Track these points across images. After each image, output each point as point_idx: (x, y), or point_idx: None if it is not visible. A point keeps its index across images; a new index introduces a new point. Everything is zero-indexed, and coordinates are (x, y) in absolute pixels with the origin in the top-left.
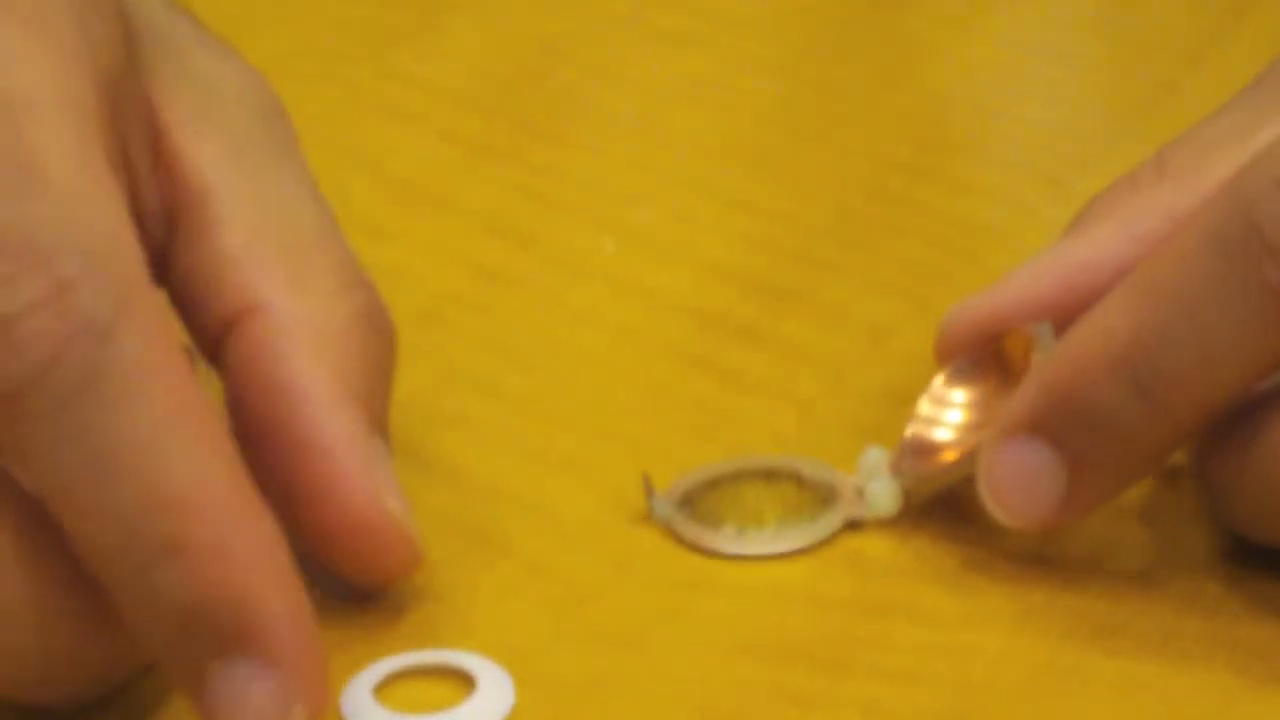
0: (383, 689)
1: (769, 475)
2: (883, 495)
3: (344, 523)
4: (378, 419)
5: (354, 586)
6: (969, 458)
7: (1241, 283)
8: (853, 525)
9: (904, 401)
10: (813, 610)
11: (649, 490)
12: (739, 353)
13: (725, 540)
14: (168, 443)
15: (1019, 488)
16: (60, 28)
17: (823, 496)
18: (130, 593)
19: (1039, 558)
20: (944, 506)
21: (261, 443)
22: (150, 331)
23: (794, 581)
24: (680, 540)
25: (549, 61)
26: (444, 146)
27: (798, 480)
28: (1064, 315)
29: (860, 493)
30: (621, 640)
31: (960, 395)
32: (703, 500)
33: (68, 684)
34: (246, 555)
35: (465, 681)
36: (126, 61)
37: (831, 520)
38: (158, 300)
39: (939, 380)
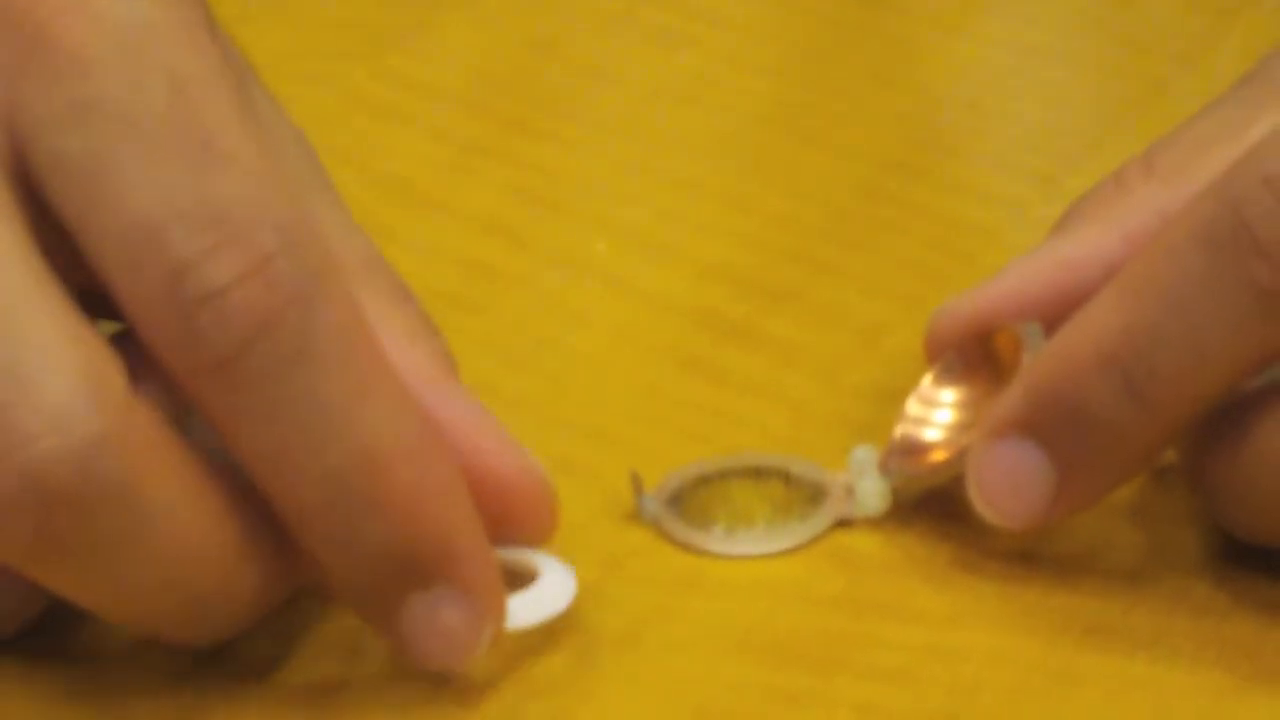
0: None
1: (758, 474)
2: (872, 494)
3: (497, 488)
4: None
5: None
6: (958, 458)
7: (1230, 281)
8: (842, 524)
9: (897, 401)
10: (803, 609)
11: (638, 489)
12: (732, 352)
13: (715, 539)
14: (368, 403)
15: (1008, 488)
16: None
17: (811, 495)
18: (338, 545)
19: (1029, 556)
20: (934, 505)
21: None
22: (343, 300)
23: (784, 580)
24: (670, 539)
25: (542, 61)
26: (437, 146)
27: (786, 479)
28: (1053, 314)
29: (850, 491)
30: (613, 640)
31: (949, 395)
32: (692, 499)
33: (218, 620)
34: (442, 498)
35: (528, 576)
36: None
37: (821, 519)
38: (341, 271)
39: (927, 380)
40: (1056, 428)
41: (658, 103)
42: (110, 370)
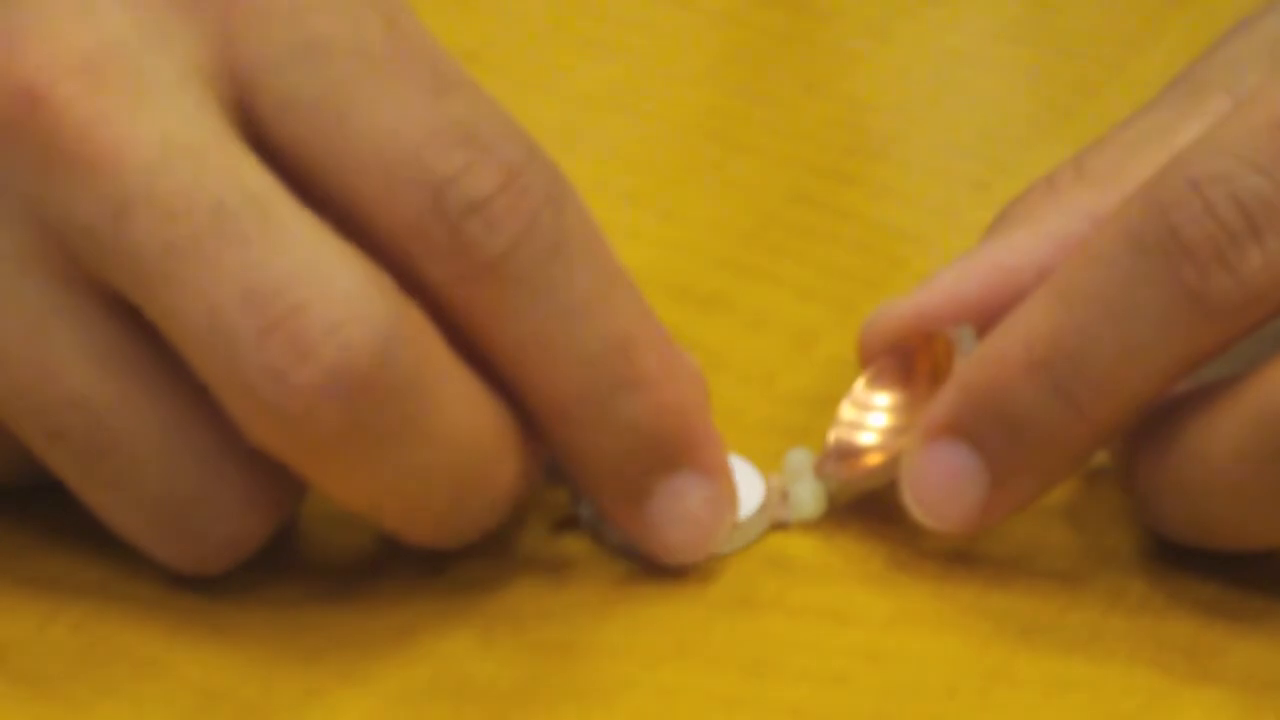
0: None
1: None
2: (807, 498)
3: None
4: None
5: None
6: (893, 461)
7: (1158, 284)
8: (778, 527)
9: (830, 405)
10: (739, 614)
11: (575, 497)
12: None
13: None
14: (616, 292)
15: (941, 490)
16: None
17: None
18: (594, 426)
19: (965, 557)
20: (869, 507)
21: None
22: (580, 202)
23: (719, 584)
24: (605, 545)
25: (472, 70)
26: None
27: None
28: (985, 317)
29: (785, 495)
30: (550, 648)
31: (883, 399)
32: None
33: (476, 514)
34: (684, 382)
35: None
36: None
37: (757, 523)
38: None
39: (860, 384)
40: (988, 430)
41: (587, 112)
42: (380, 270)
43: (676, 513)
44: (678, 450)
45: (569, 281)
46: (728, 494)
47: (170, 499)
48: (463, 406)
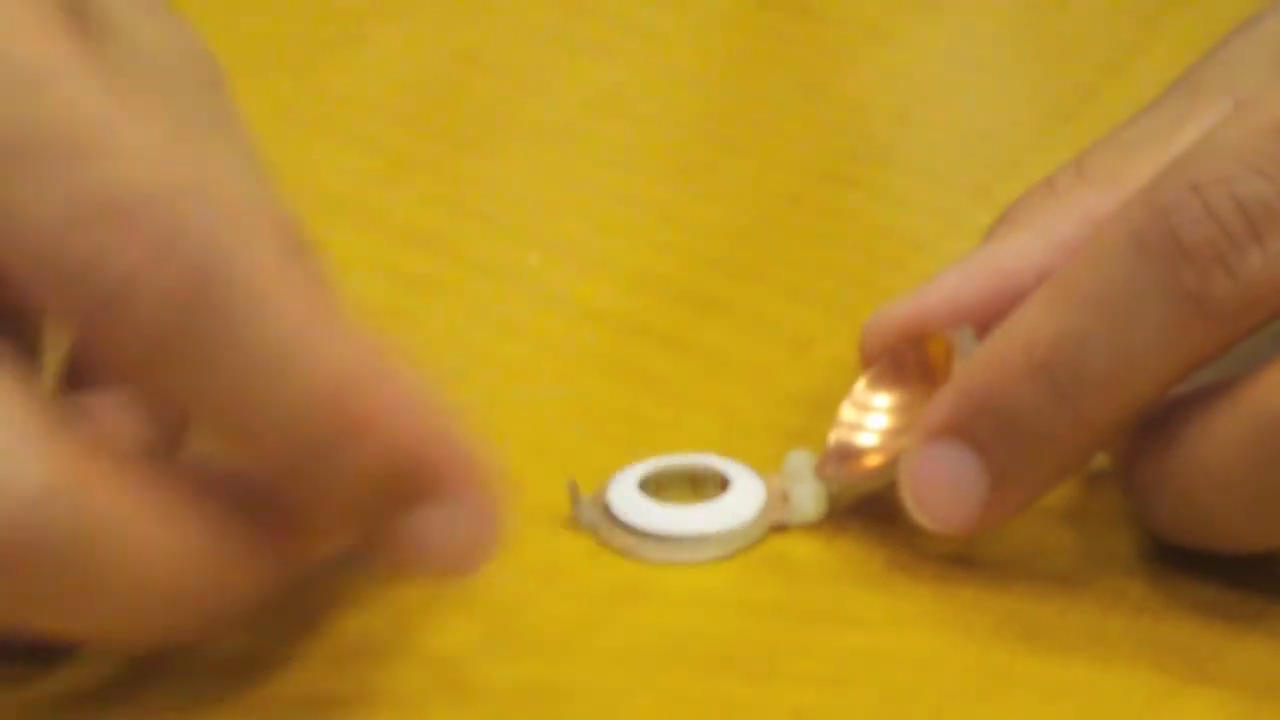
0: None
1: (694, 478)
2: (808, 499)
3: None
4: None
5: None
6: (893, 463)
7: (1158, 286)
8: (778, 529)
9: (828, 407)
10: (739, 616)
11: (575, 496)
12: (664, 362)
13: (651, 547)
14: (321, 336)
15: (941, 492)
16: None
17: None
18: (326, 478)
19: (965, 559)
20: (869, 509)
21: None
22: (256, 247)
23: (720, 587)
24: (606, 547)
25: (471, 73)
26: (366, 159)
27: (722, 483)
28: (986, 319)
29: (785, 497)
30: (549, 650)
31: (883, 400)
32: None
33: (208, 621)
34: (413, 411)
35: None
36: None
37: (757, 525)
38: (245, 218)
39: (861, 385)
40: (988, 432)
41: (587, 114)
42: (44, 419)
43: (436, 538)
44: (420, 482)
45: (248, 345)
46: (485, 505)
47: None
48: (166, 539)
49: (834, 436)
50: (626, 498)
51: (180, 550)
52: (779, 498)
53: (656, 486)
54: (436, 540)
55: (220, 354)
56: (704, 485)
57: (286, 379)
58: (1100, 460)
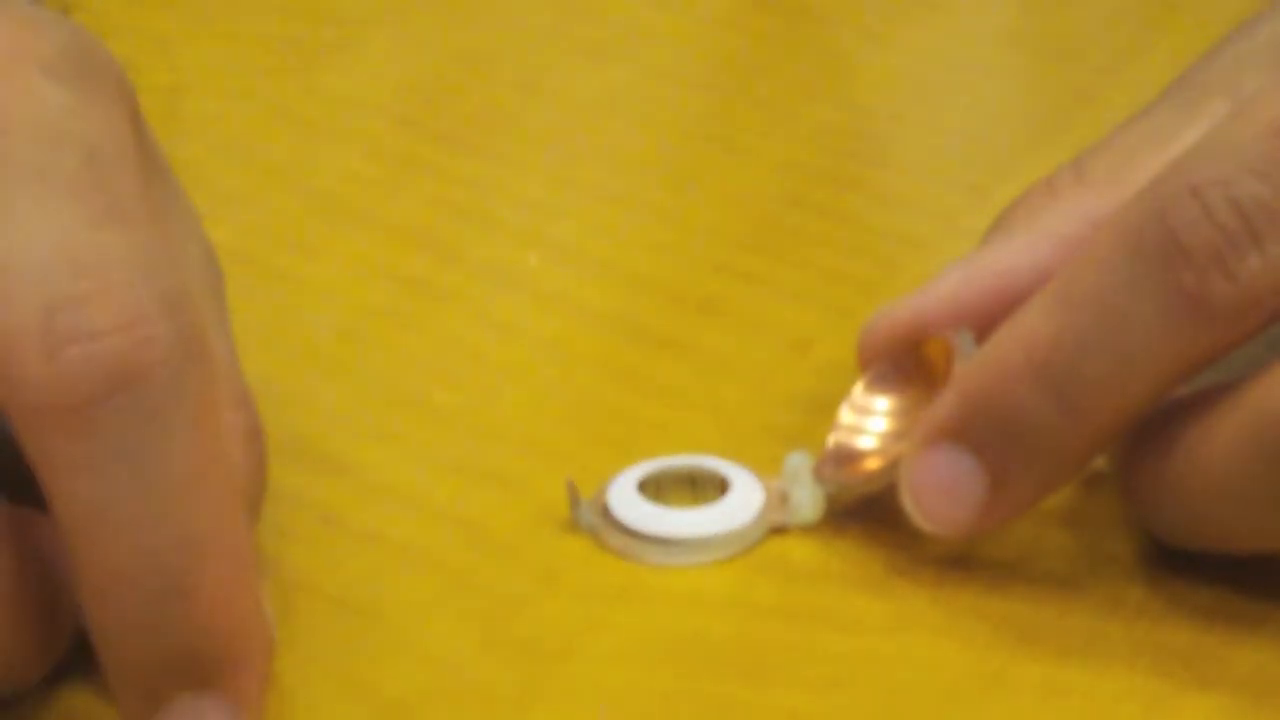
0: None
1: (693, 480)
2: (806, 502)
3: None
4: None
5: None
6: (892, 465)
7: (1158, 289)
8: (777, 531)
9: (827, 409)
10: (738, 618)
11: (574, 498)
12: (663, 363)
13: (651, 550)
14: (207, 485)
15: (940, 495)
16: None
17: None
18: (134, 618)
19: (963, 562)
20: (868, 512)
21: None
22: (207, 380)
23: (720, 590)
24: (605, 549)
25: (470, 75)
26: (366, 161)
27: (721, 485)
28: (985, 321)
29: (784, 498)
30: (549, 651)
31: (882, 403)
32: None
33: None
34: (244, 603)
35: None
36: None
37: (756, 527)
38: (210, 353)
39: (859, 388)
40: (988, 435)
41: (587, 116)
42: None
43: None
44: (210, 671)
45: (158, 457)
46: (247, 706)
47: None
48: None
49: (833, 439)
50: (626, 500)
51: None
52: (778, 500)
53: (656, 488)
54: None
55: (126, 456)
56: (703, 487)
57: (161, 514)
58: (1099, 463)
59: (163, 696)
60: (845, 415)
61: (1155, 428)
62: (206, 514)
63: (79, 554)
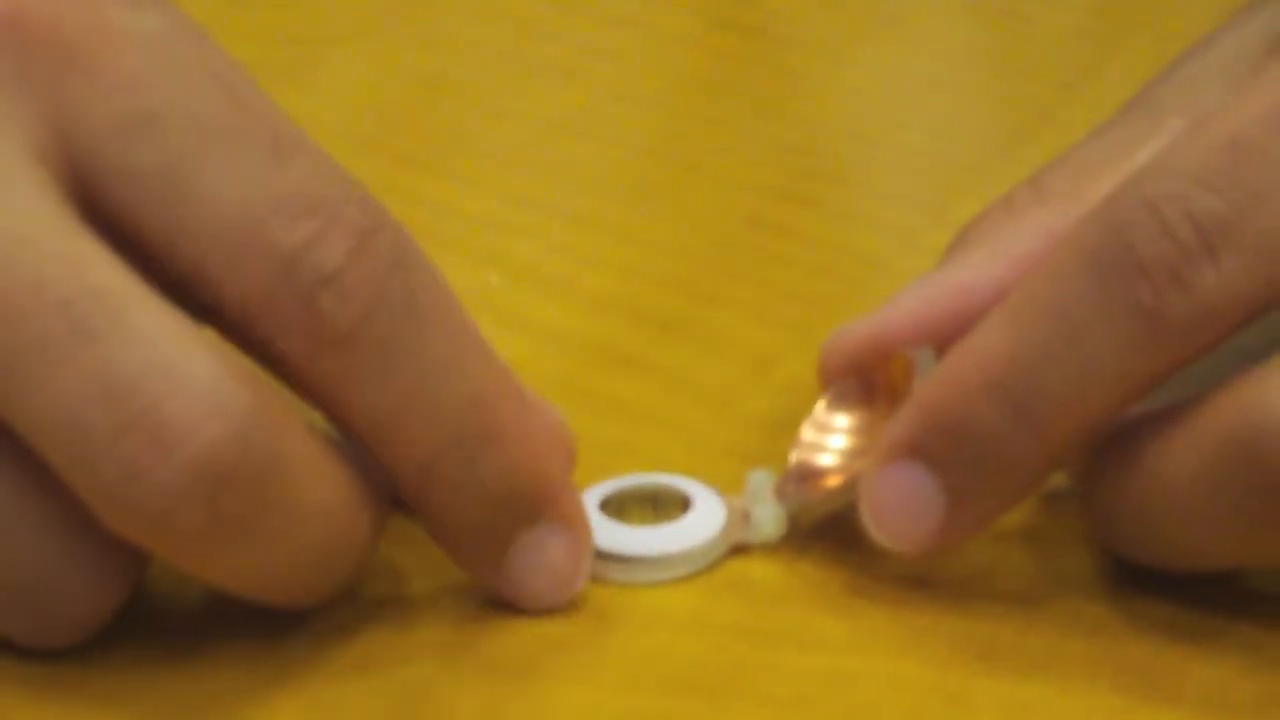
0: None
1: (655, 499)
2: (768, 519)
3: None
4: None
5: None
6: (853, 483)
7: (1114, 303)
8: (739, 549)
9: (789, 428)
10: (699, 637)
11: None
12: (625, 383)
13: (613, 569)
14: (469, 351)
15: (899, 512)
16: None
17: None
18: (454, 482)
19: (924, 581)
20: (829, 530)
21: None
22: (427, 262)
23: (682, 608)
24: None
25: (432, 96)
26: None
27: (683, 504)
28: (945, 339)
29: (746, 516)
30: (510, 672)
31: (843, 421)
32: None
33: (337, 574)
34: (540, 435)
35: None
36: None
37: (718, 545)
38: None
39: (821, 406)
40: (946, 451)
41: (547, 136)
42: (230, 351)
43: (537, 563)
44: (536, 503)
45: (422, 344)
46: (585, 542)
47: (13, 579)
48: (322, 484)
49: (794, 457)
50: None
51: (337, 489)
52: (740, 518)
53: (618, 507)
54: (541, 561)
55: (395, 354)
56: (665, 506)
57: (443, 386)
58: (1058, 480)
59: (507, 545)
60: (807, 433)
61: (1116, 445)
62: (479, 374)
63: (391, 453)
